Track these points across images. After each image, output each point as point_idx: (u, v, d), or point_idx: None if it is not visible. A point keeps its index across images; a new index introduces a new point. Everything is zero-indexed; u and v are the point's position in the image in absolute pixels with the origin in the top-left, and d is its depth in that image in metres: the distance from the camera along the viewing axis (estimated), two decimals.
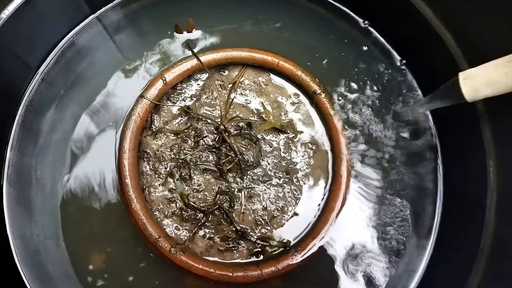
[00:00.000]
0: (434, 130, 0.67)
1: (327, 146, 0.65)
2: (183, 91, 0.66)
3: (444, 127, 0.66)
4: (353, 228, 0.61)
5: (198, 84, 0.67)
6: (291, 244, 0.59)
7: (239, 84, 0.67)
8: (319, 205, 0.62)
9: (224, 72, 0.68)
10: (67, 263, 0.59)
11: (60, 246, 0.60)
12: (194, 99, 0.66)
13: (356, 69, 0.70)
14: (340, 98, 0.68)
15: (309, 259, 0.58)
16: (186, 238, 0.58)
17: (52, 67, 0.67)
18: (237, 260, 0.58)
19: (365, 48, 0.72)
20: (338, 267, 0.59)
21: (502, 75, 0.47)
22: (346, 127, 0.66)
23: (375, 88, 0.69)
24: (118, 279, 0.58)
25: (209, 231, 0.59)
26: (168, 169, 0.61)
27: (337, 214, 0.60)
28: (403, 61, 0.71)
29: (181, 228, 0.59)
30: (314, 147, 0.64)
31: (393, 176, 0.64)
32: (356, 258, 0.60)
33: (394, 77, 0.70)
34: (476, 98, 0.50)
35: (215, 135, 0.62)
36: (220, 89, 0.66)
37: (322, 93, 0.66)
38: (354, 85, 0.69)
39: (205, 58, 0.66)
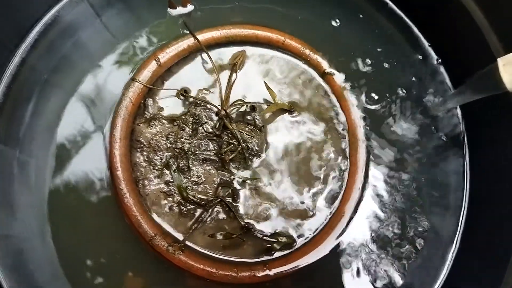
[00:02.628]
0: (462, 124, 0.61)
1: (341, 130, 0.59)
2: (179, 73, 0.60)
3: (473, 120, 0.60)
4: (370, 223, 0.56)
5: (195, 65, 0.60)
6: (302, 240, 0.54)
7: (241, 65, 0.60)
8: (335, 197, 0.56)
9: (224, 52, 0.61)
10: (55, 262, 0.54)
11: (47, 244, 0.54)
12: (192, 82, 0.59)
13: (379, 50, 0.64)
14: (355, 81, 0.62)
15: (321, 258, 0.53)
16: (185, 235, 0.52)
17: (32, 48, 0.60)
18: (242, 259, 0.52)
19: (388, 31, 0.66)
20: (351, 268, 0.54)
21: None
22: (364, 113, 0.60)
23: (398, 74, 0.63)
24: (111, 281, 0.53)
25: (210, 228, 0.53)
26: (164, 159, 0.55)
27: (356, 207, 0.54)
28: (430, 45, 0.65)
29: (179, 224, 0.53)
30: (326, 132, 0.59)
31: (416, 170, 0.59)
32: (372, 258, 0.55)
33: (422, 64, 0.64)
34: None
35: (216, 122, 0.57)
36: (220, 70, 0.60)
37: (334, 72, 0.60)
38: (372, 67, 0.63)
39: (203, 36, 0.60)
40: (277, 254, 0.53)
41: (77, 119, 0.59)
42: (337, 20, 0.65)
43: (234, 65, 0.60)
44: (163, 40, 0.62)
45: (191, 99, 0.58)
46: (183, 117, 0.57)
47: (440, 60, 0.64)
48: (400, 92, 0.63)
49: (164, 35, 0.63)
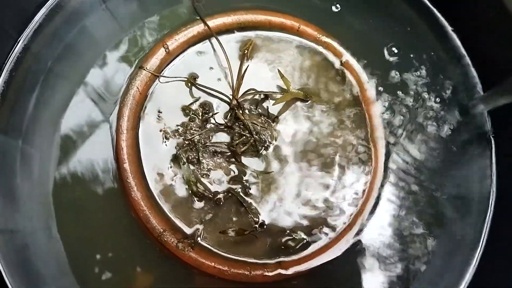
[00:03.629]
0: (488, 122, 0.58)
1: (360, 121, 0.56)
2: (189, 61, 0.57)
3: (501, 119, 0.57)
4: (390, 222, 0.53)
5: (205, 53, 0.57)
6: (318, 238, 0.51)
7: (253, 52, 0.57)
8: (355, 193, 0.53)
9: (236, 38, 0.58)
10: (62, 257, 0.52)
11: (53, 238, 0.52)
12: (201, 70, 0.56)
13: (402, 39, 0.60)
14: (375, 70, 0.58)
15: (338, 257, 0.50)
16: (195, 231, 0.50)
17: (36, 34, 0.58)
18: (255, 257, 0.50)
19: (413, 20, 0.62)
20: (369, 268, 0.51)
21: None
22: (384, 105, 0.57)
23: (423, 72, 0.59)
24: (119, 276, 0.50)
25: (221, 223, 0.50)
26: (173, 151, 0.53)
27: (375, 205, 0.52)
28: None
29: (189, 220, 0.51)
30: (344, 123, 0.56)
31: (438, 168, 0.56)
32: (391, 258, 0.52)
33: (449, 60, 0.60)
34: None
35: (227, 112, 0.54)
36: (231, 58, 0.56)
37: (352, 61, 0.56)
38: (396, 57, 0.59)
39: (214, 22, 0.57)
40: (292, 252, 0.50)
41: (82, 109, 0.56)
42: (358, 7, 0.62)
43: (246, 53, 0.57)
44: (172, 28, 0.59)
45: (201, 88, 0.55)
46: (192, 107, 0.54)
47: (468, 57, 0.61)
48: (424, 86, 0.59)
49: (173, 22, 0.60)
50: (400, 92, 0.58)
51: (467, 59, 0.60)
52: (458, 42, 0.60)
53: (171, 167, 0.52)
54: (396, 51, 0.60)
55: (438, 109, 0.58)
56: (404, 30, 0.61)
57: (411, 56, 0.60)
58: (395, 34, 0.61)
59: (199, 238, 0.50)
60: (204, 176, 0.52)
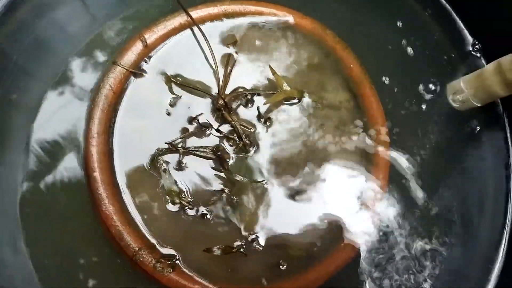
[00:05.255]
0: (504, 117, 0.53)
1: (360, 121, 0.50)
2: (169, 55, 0.51)
3: None
4: (398, 227, 0.48)
5: (188, 46, 0.51)
6: (316, 253, 0.45)
7: (241, 46, 0.51)
8: (356, 200, 0.48)
9: (222, 30, 0.52)
10: (29, 273, 0.45)
11: (20, 252, 0.46)
12: (183, 65, 0.50)
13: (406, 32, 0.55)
14: (377, 66, 0.53)
15: (340, 271, 0.45)
16: (176, 249, 0.44)
17: None
18: (244, 277, 0.44)
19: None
20: (377, 281, 0.46)
21: None
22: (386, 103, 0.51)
23: (426, 62, 0.54)
24: None
25: (206, 239, 0.44)
26: (151, 158, 0.46)
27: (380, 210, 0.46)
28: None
29: (169, 236, 0.44)
30: (342, 124, 0.50)
31: (449, 168, 0.52)
32: (401, 267, 0.47)
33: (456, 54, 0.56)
34: None
35: (212, 113, 0.48)
36: (216, 51, 0.51)
37: (350, 57, 0.51)
38: (397, 52, 0.54)
39: (198, 13, 0.51)
40: (287, 270, 0.45)
41: (52, 111, 0.50)
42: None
43: (234, 46, 0.51)
44: (151, 18, 0.53)
45: (182, 86, 0.49)
46: (173, 107, 0.48)
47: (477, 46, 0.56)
48: (428, 82, 0.54)
49: (153, 14, 0.54)
50: (399, 82, 0.53)
51: None
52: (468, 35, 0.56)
53: (150, 176, 0.46)
54: (392, 46, 0.55)
55: (443, 101, 0.53)
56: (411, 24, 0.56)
57: (409, 53, 0.55)
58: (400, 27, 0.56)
59: (180, 257, 0.43)
60: (187, 184, 0.46)
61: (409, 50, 0.56)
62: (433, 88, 0.54)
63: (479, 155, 0.53)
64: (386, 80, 0.54)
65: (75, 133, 0.48)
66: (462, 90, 0.51)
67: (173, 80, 0.49)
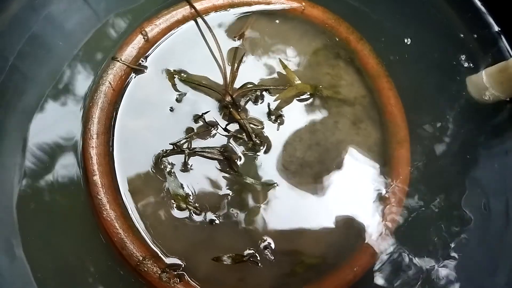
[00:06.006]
0: None
1: (376, 117, 0.47)
2: (172, 49, 0.47)
3: None
4: (418, 231, 0.45)
5: (191, 40, 0.48)
6: (332, 261, 0.42)
7: (248, 38, 0.48)
8: (374, 204, 0.44)
9: (228, 22, 0.49)
10: (28, 282, 0.42)
11: (16, 259, 0.43)
12: (187, 60, 0.47)
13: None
14: (393, 58, 0.50)
15: (359, 280, 0.41)
16: (183, 258, 0.41)
17: None
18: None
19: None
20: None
21: None
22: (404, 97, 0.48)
23: (450, 61, 0.51)
24: None
25: (215, 248, 0.41)
26: (155, 159, 0.43)
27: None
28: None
29: (175, 244, 0.41)
30: (358, 121, 0.47)
31: (465, 166, 0.48)
32: (422, 273, 0.44)
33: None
34: None
35: (219, 111, 0.45)
36: (223, 45, 0.47)
37: (365, 48, 0.48)
38: (414, 45, 0.51)
39: (202, 4, 0.48)
40: (301, 279, 0.41)
41: (49, 112, 0.47)
42: None
43: (241, 39, 0.48)
44: (152, 10, 0.50)
45: (186, 83, 0.46)
46: (177, 105, 0.45)
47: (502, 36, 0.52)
48: (447, 73, 0.51)
49: (155, 7, 0.51)
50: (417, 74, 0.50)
51: None
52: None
53: (153, 179, 0.43)
54: (410, 40, 0.52)
55: (461, 95, 0.50)
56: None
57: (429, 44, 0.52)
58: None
59: (187, 267, 0.40)
60: (194, 188, 0.43)
61: (427, 40, 0.52)
62: (453, 80, 0.51)
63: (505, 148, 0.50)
64: (402, 72, 0.50)
65: (73, 134, 0.45)
66: (484, 83, 0.48)
67: (177, 76, 0.46)
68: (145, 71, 0.46)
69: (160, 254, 0.41)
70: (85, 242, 0.43)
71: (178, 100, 0.45)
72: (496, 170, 0.50)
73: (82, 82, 0.49)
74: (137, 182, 0.43)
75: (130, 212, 0.42)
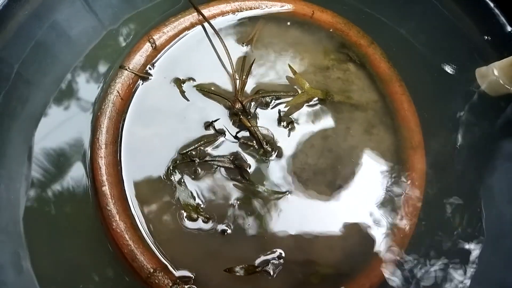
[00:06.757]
0: None
1: (390, 123, 0.46)
2: (179, 57, 0.47)
3: None
4: (435, 238, 0.43)
5: (199, 46, 0.47)
6: (348, 269, 0.41)
7: (258, 44, 0.47)
8: (389, 212, 0.43)
9: (236, 28, 0.48)
10: None
11: (23, 272, 0.42)
12: (195, 67, 0.46)
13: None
14: (404, 62, 0.49)
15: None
16: (194, 269, 0.40)
17: None
18: None
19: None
20: None
21: None
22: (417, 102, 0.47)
23: (460, 56, 0.50)
24: None
25: (227, 259, 0.40)
26: (167, 169, 0.43)
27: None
28: None
29: (186, 254, 0.40)
30: (371, 127, 0.46)
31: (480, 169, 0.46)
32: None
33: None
34: None
35: (229, 118, 0.44)
36: (231, 51, 0.47)
37: (376, 52, 0.47)
38: (427, 47, 0.50)
39: (210, 11, 0.47)
40: None
41: (55, 120, 0.47)
42: None
43: (250, 45, 0.47)
44: (159, 18, 0.49)
45: (195, 90, 0.45)
46: (185, 113, 0.44)
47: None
48: (458, 67, 0.50)
49: (161, 11, 0.50)
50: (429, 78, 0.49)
51: None
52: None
53: (163, 189, 0.42)
54: (423, 40, 0.51)
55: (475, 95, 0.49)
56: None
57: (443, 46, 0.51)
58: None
59: (199, 278, 0.39)
60: (205, 198, 0.42)
61: (440, 44, 0.51)
62: (468, 83, 0.50)
63: None
64: (412, 72, 0.49)
65: (81, 143, 0.45)
66: (494, 76, 0.47)
67: (186, 83, 0.45)
68: (153, 79, 0.46)
69: (170, 267, 0.40)
70: (93, 254, 0.43)
71: (186, 108, 0.45)
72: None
73: (88, 89, 0.48)
74: (146, 192, 0.42)
75: (139, 223, 0.41)
